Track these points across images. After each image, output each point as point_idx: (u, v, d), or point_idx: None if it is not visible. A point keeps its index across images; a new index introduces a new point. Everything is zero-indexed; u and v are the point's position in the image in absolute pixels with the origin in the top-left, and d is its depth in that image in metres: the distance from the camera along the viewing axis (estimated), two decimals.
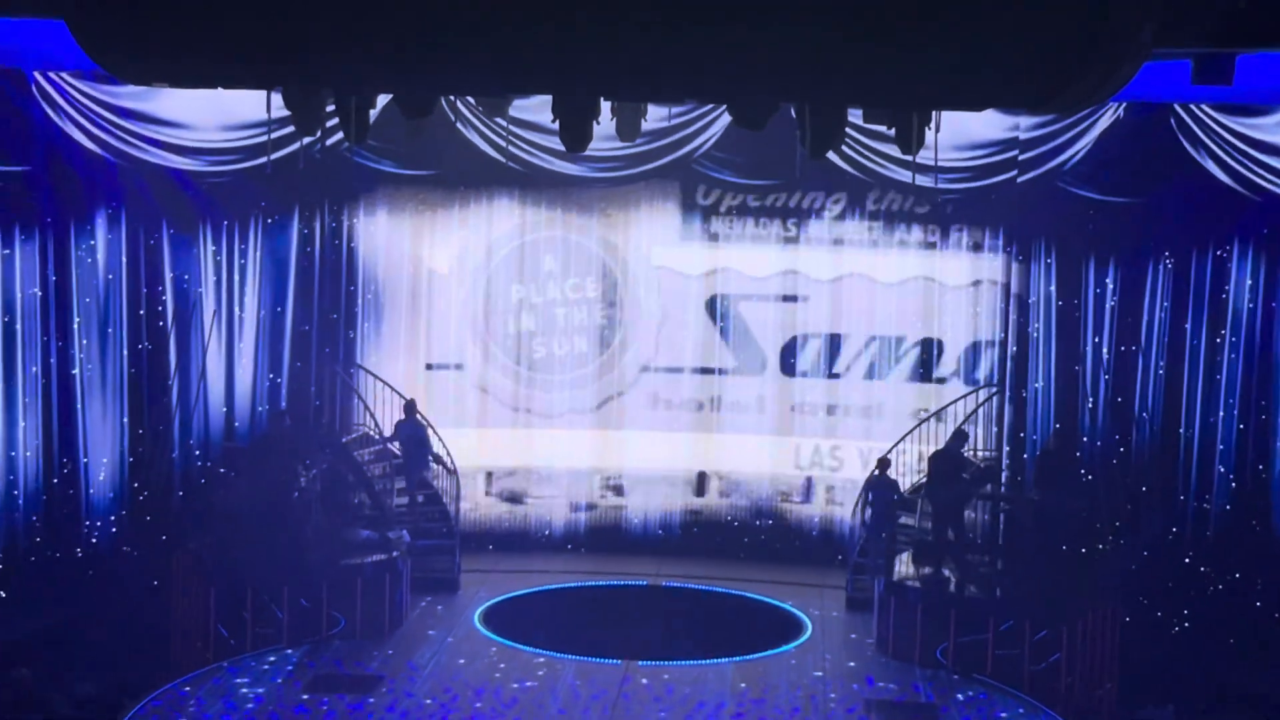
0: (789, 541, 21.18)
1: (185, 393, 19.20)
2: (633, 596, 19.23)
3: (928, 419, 20.07)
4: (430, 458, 19.60)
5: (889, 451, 19.40)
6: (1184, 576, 18.52)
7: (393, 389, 20.33)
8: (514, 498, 21.35)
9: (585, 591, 19.36)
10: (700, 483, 21.38)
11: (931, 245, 20.53)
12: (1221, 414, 18.70)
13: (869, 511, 18.76)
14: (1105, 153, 17.33)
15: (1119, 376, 19.25)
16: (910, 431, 19.88)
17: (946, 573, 17.65)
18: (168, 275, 19.11)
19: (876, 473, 18.80)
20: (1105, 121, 17.17)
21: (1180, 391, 18.89)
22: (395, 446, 19.56)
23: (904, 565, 17.90)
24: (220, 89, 14.43)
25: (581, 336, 21.34)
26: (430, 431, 19.70)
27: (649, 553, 21.01)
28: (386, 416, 20.05)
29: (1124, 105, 16.88)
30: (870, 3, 7.77)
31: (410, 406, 19.60)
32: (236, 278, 19.68)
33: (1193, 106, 16.74)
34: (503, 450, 21.42)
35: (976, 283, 20.40)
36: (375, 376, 20.49)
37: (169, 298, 19.17)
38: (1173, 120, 16.93)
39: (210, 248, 19.47)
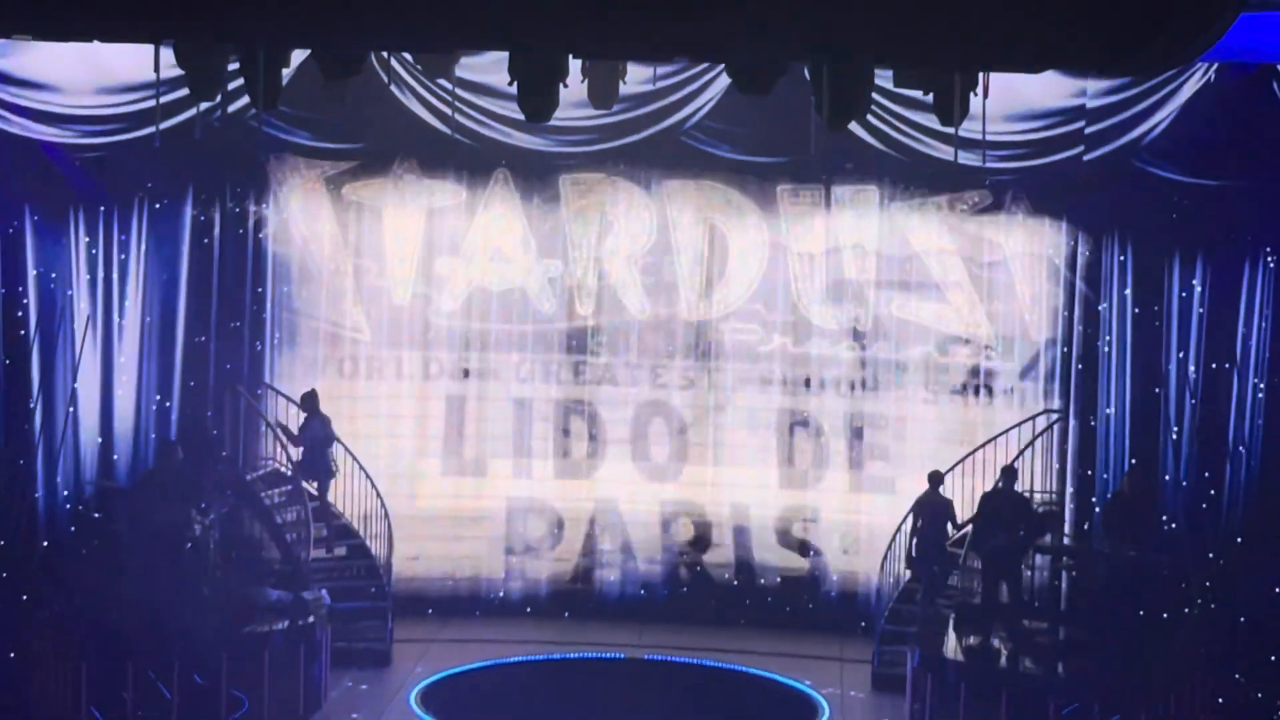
0: (800, 603, 21.18)
1: (51, 419, 19.14)
2: (607, 672, 19.24)
3: (975, 451, 20.09)
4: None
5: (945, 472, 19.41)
6: None
7: (307, 413, 20.31)
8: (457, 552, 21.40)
9: (547, 667, 19.37)
10: (694, 537, 21.46)
11: (979, 236, 20.59)
12: None
13: (914, 542, 18.77)
14: (1192, 125, 17.38)
15: (1209, 401, 19.30)
16: (958, 463, 19.90)
17: (996, 643, 17.67)
18: (30, 272, 19.05)
19: (927, 491, 18.85)
20: (1192, 86, 17.23)
21: None
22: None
23: (945, 633, 17.94)
24: (97, 43, 14.42)
25: (543, 347, 21.36)
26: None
27: (627, 618, 21.01)
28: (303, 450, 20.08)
29: (1215, 66, 16.94)
30: None
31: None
32: (116, 276, 19.65)
33: None
34: (446, 490, 21.41)
35: (1034, 281, 20.46)
36: (289, 399, 20.48)
37: (31, 301, 19.11)
38: (1276, 85, 17.00)
39: (84, 238, 19.43)
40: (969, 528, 18.85)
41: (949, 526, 18.91)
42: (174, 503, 17.36)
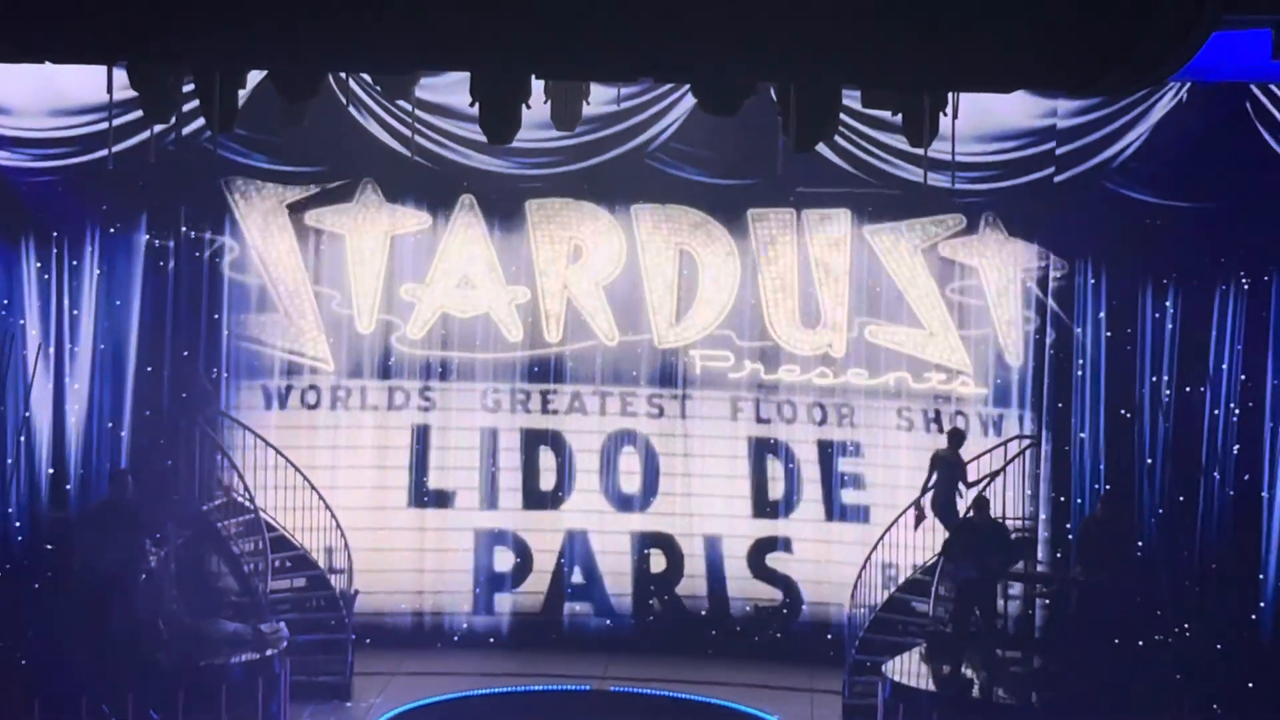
0: (770, 634, 21.13)
1: (1, 448, 19.04)
2: (573, 705, 19.16)
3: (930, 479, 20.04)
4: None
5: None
6: (1266, 674, 18.55)
7: (267, 443, 20.25)
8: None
9: (512, 699, 19.28)
10: (664, 567, 21.36)
11: (952, 259, 20.56)
12: None
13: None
14: (1164, 145, 17.43)
15: (1183, 426, 19.31)
16: (925, 491, 19.88)
17: (969, 672, 17.65)
18: None
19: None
20: (1164, 107, 17.28)
21: (1260, 444, 18.96)
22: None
23: (913, 662, 17.91)
24: (49, 64, 14.35)
25: (510, 375, 21.27)
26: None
27: (594, 650, 20.92)
28: (260, 478, 19.95)
29: (1187, 86, 17.00)
30: None
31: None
32: (68, 303, 19.55)
33: (1273, 87, 16.86)
34: (411, 522, 21.32)
35: (1007, 304, 20.42)
36: (246, 428, 20.37)
37: None
38: (1249, 105, 17.05)
39: (35, 264, 19.34)
40: (939, 559, 18.91)
41: (961, 485, 19.18)
42: (128, 534, 17.25)
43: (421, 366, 21.31)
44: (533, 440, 21.49)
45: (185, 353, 20.26)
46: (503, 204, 20.88)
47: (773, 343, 21.11)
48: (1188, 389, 19.38)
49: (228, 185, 20.19)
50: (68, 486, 19.44)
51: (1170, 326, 19.38)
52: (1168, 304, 19.38)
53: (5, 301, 19.17)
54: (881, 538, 19.86)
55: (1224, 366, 19.19)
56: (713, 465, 21.43)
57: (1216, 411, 19.18)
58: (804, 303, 21.02)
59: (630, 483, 21.52)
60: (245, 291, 20.81)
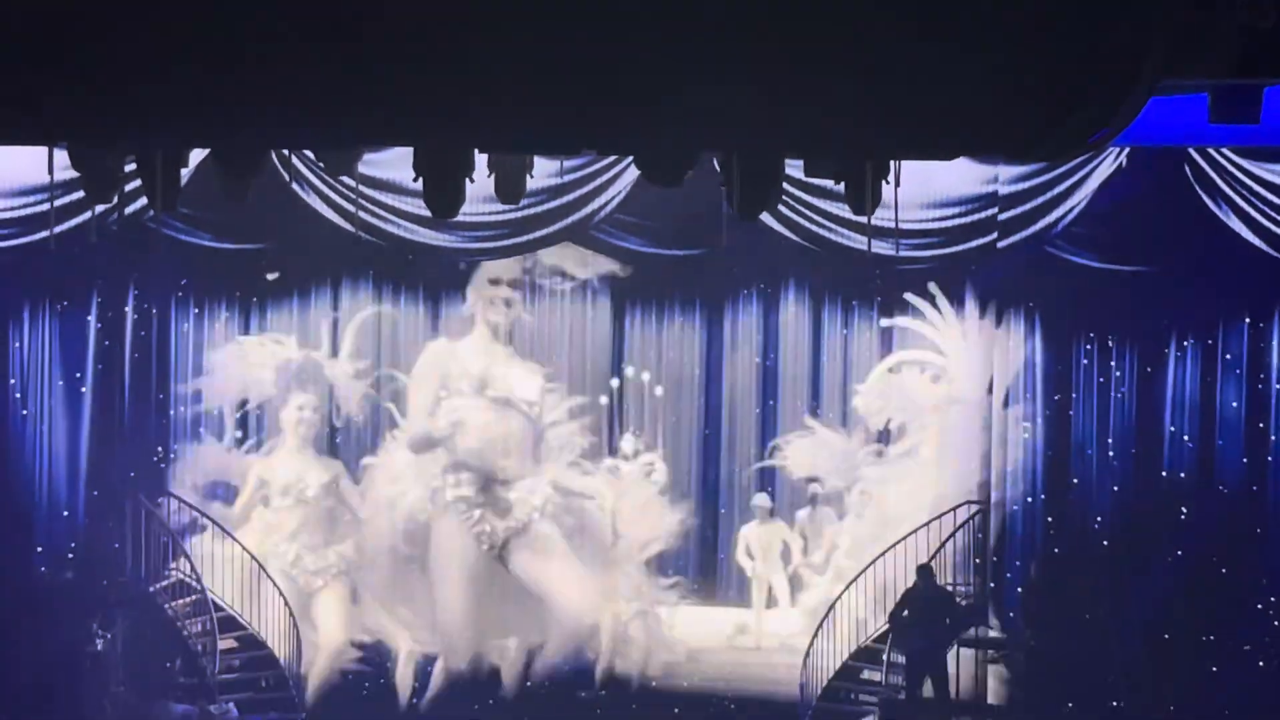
0: (722, 707, 20.94)
1: None
2: None
3: (896, 545, 19.98)
4: None
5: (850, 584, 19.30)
6: None
7: (214, 522, 20.09)
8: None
9: None
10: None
11: (887, 326, 20.52)
12: (1266, 530, 18.81)
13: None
14: (1105, 209, 17.53)
15: (1132, 486, 19.32)
16: (879, 557, 19.80)
17: None
18: None
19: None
20: (1104, 171, 17.38)
21: (1211, 503, 18.99)
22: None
23: None
24: None
25: (468, 439, 21.03)
26: None
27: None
28: (206, 557, 19.78)
29: (1126, 150, 17.10)
30: (805, 27, 7.82)
31: None
32: (15, 382, 19.43)
33: (1211, 150, 16.98)
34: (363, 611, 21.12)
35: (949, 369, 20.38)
36: (192, 508, 20.20)
37: None
38: (1187, 168, 17.17)
39: None
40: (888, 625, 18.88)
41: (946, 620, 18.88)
42: (72, 617, 17.10)
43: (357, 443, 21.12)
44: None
45: (136, 430, 20.12)
46: (447, 276, 20.73)
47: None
48: (1134, 451, 19.41)
49: (172, 263, 19.95)
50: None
51: (1114, 390, 19.43)
52: (1111, 366, 19.45)
53: None
54: (831, 607, 19.77)
55: (1170, 430, 19.27)
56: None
57: (1163, 473, 19.24)
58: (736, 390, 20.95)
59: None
60: (190, 368, 20.66)
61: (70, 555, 18.74)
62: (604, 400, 21.02)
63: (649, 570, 20.81)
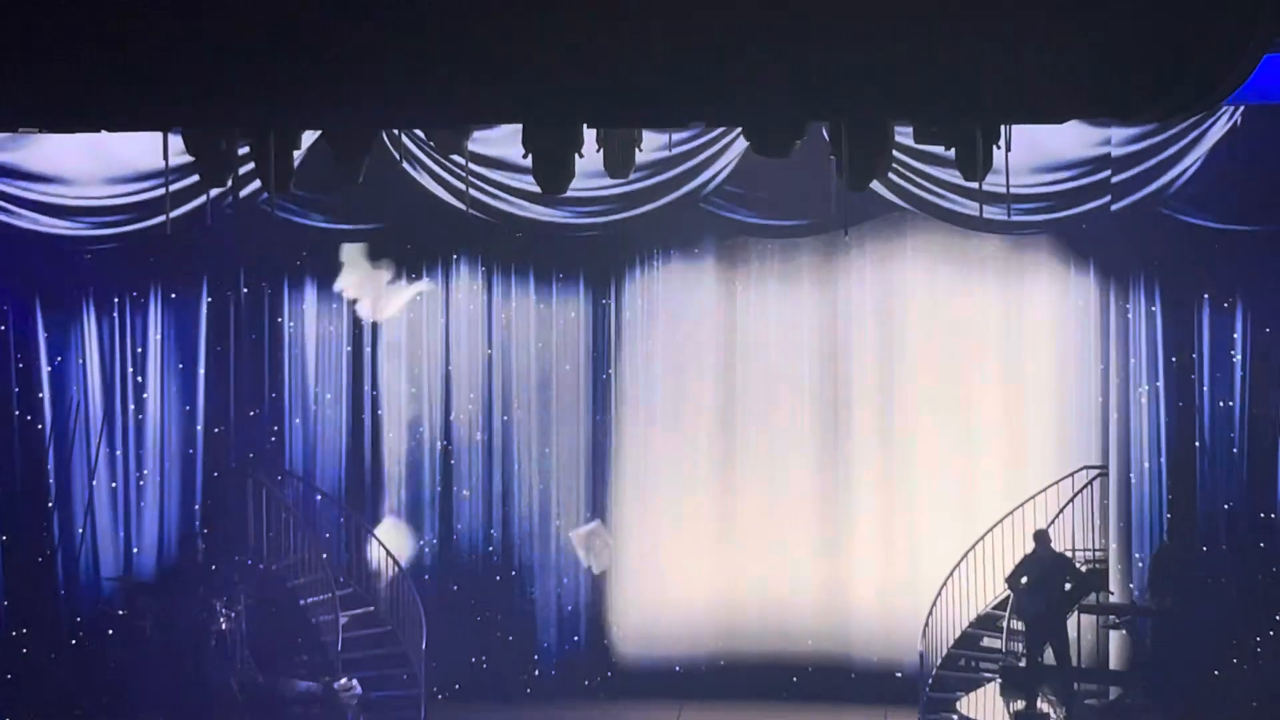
0: (842, 675, 20.94)
1: (69, 516, 19.13)
2: None
3: (1014, 511, 19.92)
4: None
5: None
6: None
7: (330, 499, 20.30)
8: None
9: None
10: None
11: (1007, 290, 20.44)
12: None
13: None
14: (1220, 170, 17.37)
15: (1253, 455, 19.14)
16: (996, 524, 19.75)
17: (1045, 707, 17.53)
18: (44, 369, 19.11)
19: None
20: (1218, 130, 17.22)
21: None
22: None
23: (988, 698, 17.80)
24: (104, 133, 14.50)
25: (572, 425, 21.21)
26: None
27: (664, 695, 20.81)
28: (328, 536, 19.98)
29: (1240, 109, 16.93)
30: None
31: None
32: (132, 369, 19.67)
33: None
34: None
35: (1066, 334, 20.29)
36: (310, 485, 20.42)
37: (46, 396, 19.14)
38: None
39: (96, 332, 19.47)
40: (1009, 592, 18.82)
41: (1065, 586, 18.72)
42: (198, 596, 17.32)
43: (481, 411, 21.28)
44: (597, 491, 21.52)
45: (252, 412, 20.35)
46: (559, 252, 20.82)
47: (829, 382, 21.01)
48: (1256, 412, 19.24)
49: (286, 245, 20.09)
50: (135, 550, 19.55)
51: (1234, 352, 19.26)
52: (1230, 329, 19.27)
53: (69, 370, 19.29)
54: (950, 574, 19.73)
55: None
56: (774, 506, 21.28)
57: None
58: (858, 341, 20.93)
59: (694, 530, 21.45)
60: (304, 349, 20.85)
61: (200, 537, 18.94)
62: None
63: None
